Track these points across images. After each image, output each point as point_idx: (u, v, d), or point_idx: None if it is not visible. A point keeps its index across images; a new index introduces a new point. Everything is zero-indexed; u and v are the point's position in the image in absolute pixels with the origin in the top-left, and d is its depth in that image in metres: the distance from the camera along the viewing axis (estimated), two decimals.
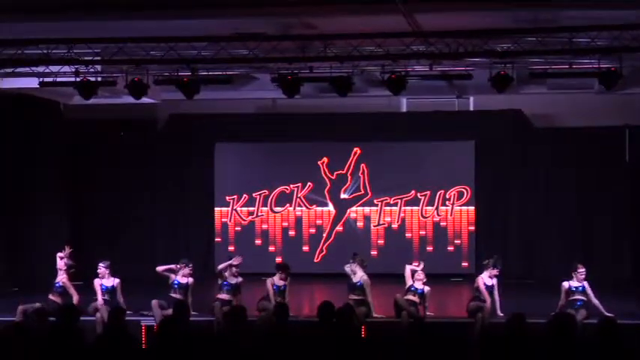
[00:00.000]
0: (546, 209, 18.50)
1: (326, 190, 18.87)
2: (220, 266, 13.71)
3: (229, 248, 18.55)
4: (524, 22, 12.37)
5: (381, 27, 12.40)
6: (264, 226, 18.99)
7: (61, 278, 13.23)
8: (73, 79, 14.18)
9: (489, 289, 13.04)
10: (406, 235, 18.71)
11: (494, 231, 18.60)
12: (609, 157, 18.19)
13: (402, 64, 13.86)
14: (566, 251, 17.60)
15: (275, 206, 18.96)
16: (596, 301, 12.67)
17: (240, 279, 13.40)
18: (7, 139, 17.56)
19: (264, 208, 18.96)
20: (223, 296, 13.21)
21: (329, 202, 18.88)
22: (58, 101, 17.77)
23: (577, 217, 18.33)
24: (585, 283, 12.82)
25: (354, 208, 18.84)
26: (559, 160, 18.32)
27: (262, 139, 18.89)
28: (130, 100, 14.72)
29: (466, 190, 18.54)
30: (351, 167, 18.84)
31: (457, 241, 18.58)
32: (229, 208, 18.99)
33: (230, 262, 13.54)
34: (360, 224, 18.84)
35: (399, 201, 18.71)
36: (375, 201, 18.76)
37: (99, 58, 13.56)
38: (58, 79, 14.47)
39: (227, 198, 18.99)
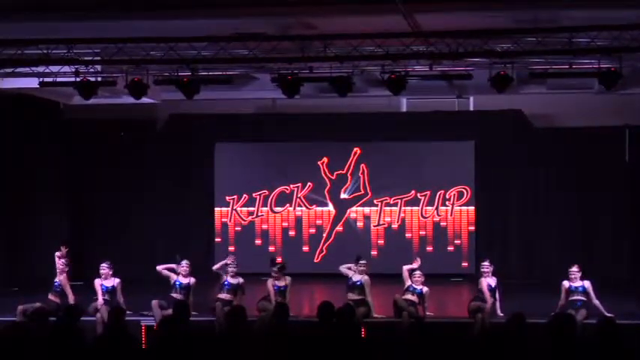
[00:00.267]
0: (546, 209, 18.50)
1: (326, 190, 18.87)
2: (215, 267, 13.71)
3: (229, 248, 18.55)
4: (524, 22, 12.37)
5: (381, 27, 12.40)
6: (264, 226, 18.99)
7: (60, 278, 13.22)
8: (72, 79, 14.17)
9: (492, 289, 13.05)
10: (406, 235, 18.71)
11: (494, 231, 18.61)
12: (609, 157, 18.19)
13: (402, 64, 13.85)
14: (566, 251, 17.61)
15: (275, 206, 18.96)
16: (596, 302, 12.67)
17: (241, 279, 13.39)
18: (6, 139, 17.58)
19: (264, 208, 18.96)
20: (224, 296, 13.20)
21: (329, 202, 18.88)
22: (57, 101, 17.77)
23: (577, 217, 18.33)
24: (586, 283, 12.81)
25: (354, 208, 18.84)
26: (559, 160, 18.33)
27: (262, 139, 18.89)
28: (130, 100, 14.72)
29: (466, 190, 18.54)
30: (351, 167, 18.84)
31: (457, 241, 18.58)
32: (229, 208, 18.99)
33: (224, 261, 13.57)
34: (360, 224, 18.84)
35: (399, 201, 18.71)
36: (375, 201, 18.76)
37: (99, 58, 13.56)
38: (58, 79, 14.47)
39: (227, 198, 18.99)
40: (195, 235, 19.00)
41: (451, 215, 18.62)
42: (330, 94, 14.77)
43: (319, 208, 18.89)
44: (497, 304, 13.07)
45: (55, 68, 14.15)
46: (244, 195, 18.93)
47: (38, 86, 14.74)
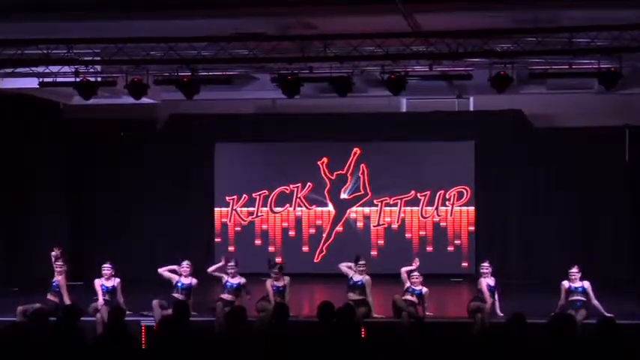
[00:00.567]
0: (546, 209, 18.50)
1: (326, 190, 18.87)
2: (210, 269, 13.67)
3: (229, 248, 18.56)
4: (524, 22, 12.37)
5: (381, 27, 12.40)
6: (264, 227, 18.99)
7: (58, 278, 13.21)
8: (72, 80, 14.17)
9: (492, 290, 13.05)
10: (406, 235, 18.71)
11: (494, 231, 18.61)
12: (609, 157, 18.19)
13: (401, 64, 13.85)
14: (566, 251, 17.61)
15: (275, 206, 18.96)
16: (596, 302, 12.66)
17: (242, 279, 13.38)
18: (7, 139, 17.58)
19: (264, 209, 18.96)
20: (226, 296, 13.20)
21: (329, 202, 18.88)
22: (57, 101, 17.77)
23: (577, 217, 18.33)
24: (586, 284, 12.81)
25: (354, 209, 18.84)
26: (559, 160, 18.32)
27: (262, 139, 18.89)
28: (130, 100, 14.71)
29: (466, 190, 18.54)
30: (351, 167, 18.84)
31: (457, 242, 18.57)
32: (229, 209, 18.99)
33: (219, 264, 13.56)
34: (360, 224, 18.84)
35: (399, 201, 18.71)
36: (375, 201, 18.76)
37: (99, 58, 13.56)
38: (58, 80, 14.47)
39: (227, 198, 18.99)
40: (195, 235, 19.00)
41: (451, 215, 18.62)
42: (330, 94, 14.77)
43: (319, 209, 18.89)
44: (497, 304, 13.07)
45: (55, 68, 14.15)
46: (244, 195, 18.93)
47: (38, 86, 14.74)
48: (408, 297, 12.96)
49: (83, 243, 18.69)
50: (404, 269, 13.23)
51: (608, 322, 7.81)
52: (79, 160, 18.97)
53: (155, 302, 12.89)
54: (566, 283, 12.86)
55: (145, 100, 14.98)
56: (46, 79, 14.54)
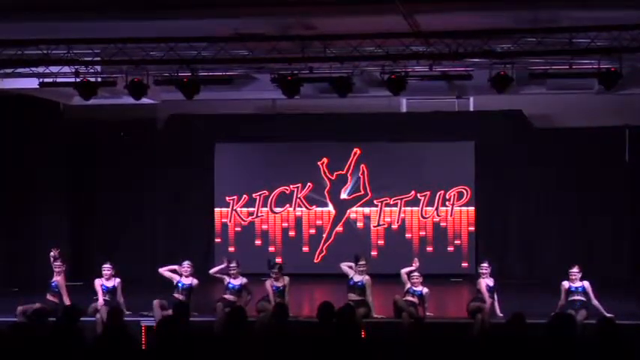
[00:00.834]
0: (546, 209, 18.50)
1: (326, 190, 18.87)
2: (211, 271, 13.67)
3: (229, 249, 18.56)
4: (524, 22, 12.37)
5: (381, 27, 12.40)
6: (264, 227, 18.99)
7: (57, 279, 13.21)
8: (73, 80, 14.19)
9: (491, 290, 13.05)
10: (406, 235, 18.71)
11: (494, 231, 18.62)
12: (609, 157, 18.19)
13: (401, 64, 13.86)
14: (566, 251, 17.60)
15: (275, 207, 18.96)
16: (596, 302, 12.65)
17: (244, 279, 13.38)
18: (7, 139, 17.59)
19: (264, 209, 18.96)
20: (228, 297, 13.20)
21: (329, 202, 18.88)
22: (58, 102, 17.77)
23: (577, 217, 18.33)
24: (585, 284, 12.80)
25: (354, 209, 18.84)
26: (559, 160, 18.32)
27: (262, 139, 18.88)
28: (130, 100, 14.73)
29: (466, 190, 18.54)
30: (351, 167, 18.84)
31: (457, 242, 18.58)
32: (229, 209, 18.99)
33: (220, 266, 13.56)
34: (360, 224, 18.84)
35: (399, 201, 18.71)
36: (375, 201, 18.76)
37: (99, 58, 13.57)
38: (58, 80, 14.49)
39: (227, 198, 18.99)
40: (195, 236, 19.00)
41: (451, 215, 18.62)
42: (330, 94, 14.77)
43: (319, 209, 18.89)
44: (496, 304, 13.07)
45: (55, 69, 14.16)
46: (244, 195, 18.93)
47: (38, 86, 14.75)
48: (409, 298, 12.95)
49: (83, 243, 18.69)
50: (404, 270, 13.21)
51: (608, 322, 7.81)
52: (79, 160, 18.97)
53: (155, 302, 12.88)
54: (566, 283, 12.86)
55: (145, 100, 14.99)
56: (46, 80, 14.56)
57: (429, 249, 18.53)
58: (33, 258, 16.99)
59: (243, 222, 19.00)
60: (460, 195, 18.57)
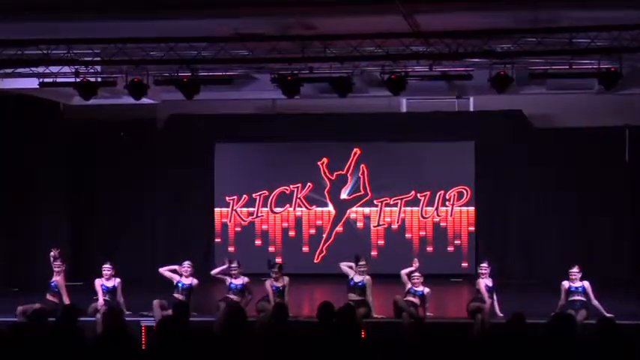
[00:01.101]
0: (546, 209, 18.50)
1: (326, 190, 18.87)
2: (213, 272, 13.67)
3: (229, 249, 18.56)
4: (524, 22, 12.37)
5: (381, 27, 12.40)
6: (264, 227, 18.99)
7: (57, 279, 13.21)
8: (72, 80, 14.19)
9: (490, 290, 13.04)
10: (406, 235, 18.72)
11: (494, 231, 18.62)
12: (609, 157, 18.20)
13: (401, 64, 13.86)
14: (566, 251, 17.60)
15: (275, 207, 18.96)
16: (596, 302, 12.65)
17: (246, 279, 13.37)
18: (7, 139, 17.60)
19: (264, 209, 18.95)
20: (231, 297, 13.19)
21: (329, 202, 18.88)
22: (58, 102, 17.77)
23: (577, 217, 18.33)
24: (585, 284, 12.80)
25: (354, 209, 18.84)
26: (559, 160, 18.32)
27: (262, 139, 18.88)
28: (130, 100, 14.73)
29: (466, 190, 18.55)
30: (351, 167, 18.84)
31: (457, 242, 18.58)
32: (229, 209, 18.99)
33: (222, 267, 13.55)
34: (360, 225, 18.84)
35: (399, 201, 18.71)
36: (375, 201, 18.76)
37: (99, 58, 13.57)
38: (58, 80, 14.49)
39: (227, 198, 18.99)
40: (195, 236, 19.00)
41: (451, 215, 18.62)
42: (330, 94, 14.77)
43: (319, 209, 18.89)
44: (496, 304, 13.06)
45: (55, 69, 14.17)
46: (244, 195, 18.93)
47: (38, 86, 14.76)
48: (410, 298, 12.95)
49: (83, 243, 18.70)
50: (403, 271, 13.20)
51: (608, 322, 7.80)
52: (79, 160, 18.97)
53: (155, 302, 12.88)
54: (566, 283, 12.85)
55: (145, 100, 14.99)
56: (46, 80, 14.56)
57: (429, 249, 18.53)
58: (33, 258, 17.00)
59: (243, 222, 19.00)
60: (460, 195, 18.57)
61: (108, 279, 13.27)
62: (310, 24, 12.50)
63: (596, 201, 18.23)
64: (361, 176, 18.81)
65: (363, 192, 18.82)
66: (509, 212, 18.72)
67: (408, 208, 18.72)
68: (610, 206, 18.21)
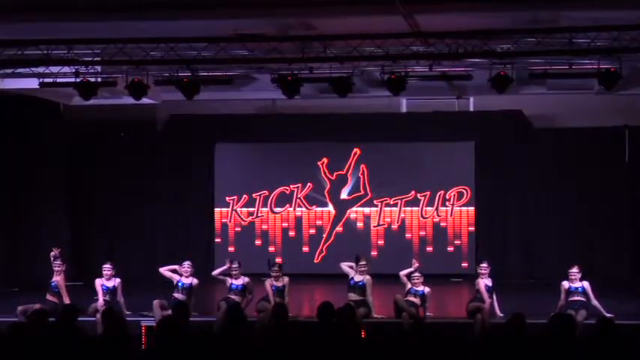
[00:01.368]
0: (546, 209, 18.50)
1: (326, 190, 18.87)
2: (214, 273, 13.68)
3: (229, 249, 18.57)
4: (524, 23, 12.37)
5: (380, 27, 12.40)
6: (264, 227, 18.99)
7: (57, 279, 13.21)
8: (73, 80, 14.18)
9: (490, 290, 13.04)
10: (406, 235, 18.72)
11: (494, 231, 18.62)
12: (609, 157, 18.20)
13: (401, 64, 13.85)
14: (566, 251, 17.60)
15: (275, 207, 18.96)
16: (596, 303, 12.65)
17: (246, 279, 13.37)
18: (7, 139, 17.60)
19: (264, 209, 18.96)
20: (232, 297, 13.19)
21: (329, 202, 18.88)
22: (58, 102, 17.78)
23: (577, 217, 18.33)
24: (585, 284, 12.80)
25: (354, 209, 18.84)
26: (559, 160, 18.32)
27: (262, 139, 18.88)
28: (130, 100, 14.73)
29: (466, 190, 18.55)
30: (351, 168, 18.84)
31: (457, 242, 18.58)
32: (229, 209, 18.99)
33: (222, 267, 13.55)
34: (360, 225, 18.85)
35: (399, 201, 18.72)
36: (375, 201, 18.77)
37: (99, 58, 13.57)
38: (58, 80, 14.49)
39: (227, 198, 18.99)
40: (195, 236, 19.01)
41: (451, 216, 18.62)
42: (330, 94, 14.77)
43: (319, 209, 18.89)
44: (496, 304, 13.06)
45: (55, 69, 14.17)
46: (244, 195, 18.93)
47: (38, 87, 14.76)
48: (411, 298, 12.94)
49: (83, 243, 18.70)
50: (402, 273, 13.18)
51: (608, 322, 7.81)
52: (79, 160, 18.97)
53: (155, 302, 12.88)
54: (566, 284, 12.85)
55: (145, 100, 14.99)
56: (47, 80, 14.56)
57: (429, 249, 18.54)
58: (33, 258, 17.01)
59: (243, 222, 19.00)
60: (460, 195, 18.57)
61: (108, 279, 13.27)
62: (310, 24, 12.51)
63: (596, 201, 18.23)
64: (361, 176, 18.81)
65: (363, 192, 18.82)
66: (509, 212, 18.72)
67: (408, 208, 18.72)
68: (610, 206, 18.21)
